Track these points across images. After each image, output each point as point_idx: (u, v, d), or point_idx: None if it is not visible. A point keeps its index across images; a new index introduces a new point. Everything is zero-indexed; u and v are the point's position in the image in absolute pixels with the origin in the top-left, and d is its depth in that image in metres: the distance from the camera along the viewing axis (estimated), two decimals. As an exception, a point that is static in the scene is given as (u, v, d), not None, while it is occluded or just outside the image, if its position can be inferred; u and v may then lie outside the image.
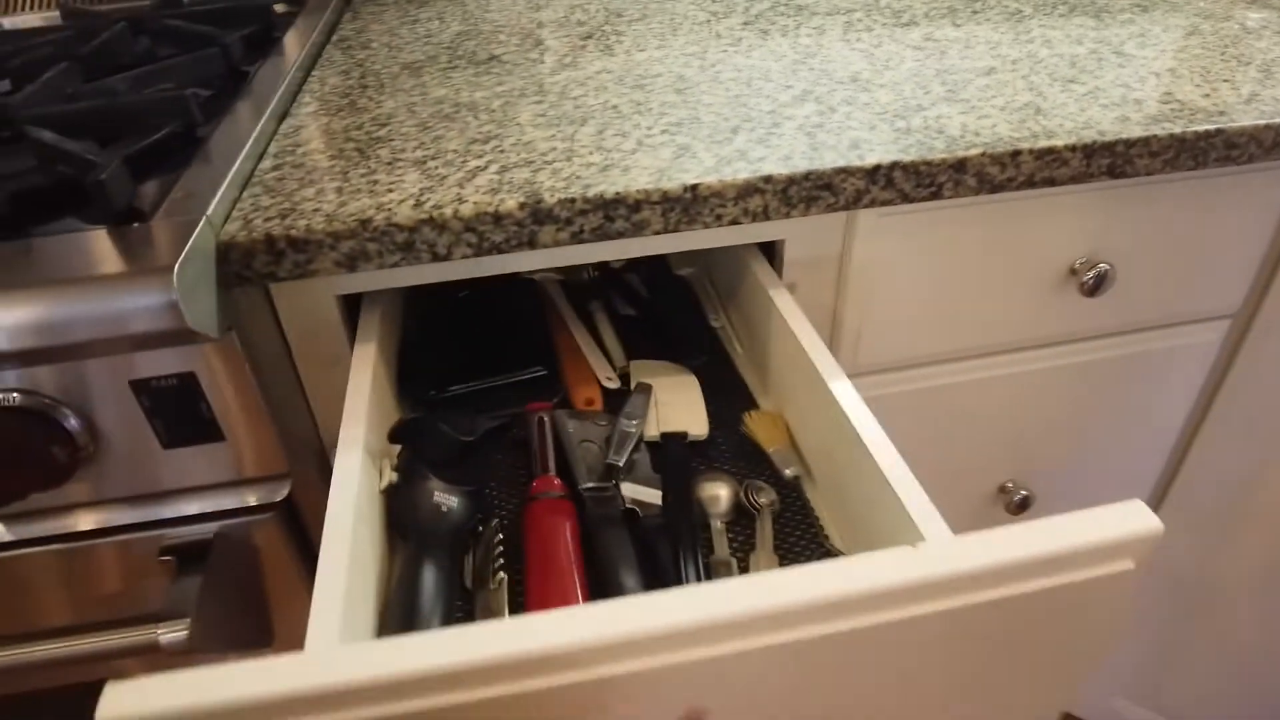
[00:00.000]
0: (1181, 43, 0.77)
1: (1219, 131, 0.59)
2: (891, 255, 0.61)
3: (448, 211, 0.49)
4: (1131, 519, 0.31)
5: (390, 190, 0.52)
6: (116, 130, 0.57)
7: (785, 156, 0.54)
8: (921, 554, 0.30)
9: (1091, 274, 0.64)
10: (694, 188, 0.51)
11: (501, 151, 0.56)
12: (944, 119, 0.60)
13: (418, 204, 0.50)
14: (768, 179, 0.52)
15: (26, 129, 0.55)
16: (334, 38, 0.85)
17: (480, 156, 0.56)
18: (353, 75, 0.74)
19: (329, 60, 0.79)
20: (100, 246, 0.46)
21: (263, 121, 0.61)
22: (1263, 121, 0.60)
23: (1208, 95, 0.64)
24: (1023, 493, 0.78)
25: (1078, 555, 0.31)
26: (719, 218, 0.53)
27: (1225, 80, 0.67)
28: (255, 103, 0.65)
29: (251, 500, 0.55)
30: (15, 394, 0.47)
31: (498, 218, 0.50)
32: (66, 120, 0.57)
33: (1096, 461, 0.81)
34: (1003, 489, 0.79)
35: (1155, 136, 0.58)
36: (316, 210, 0.50)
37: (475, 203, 0.50)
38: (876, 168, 0.54)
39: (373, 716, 0.27)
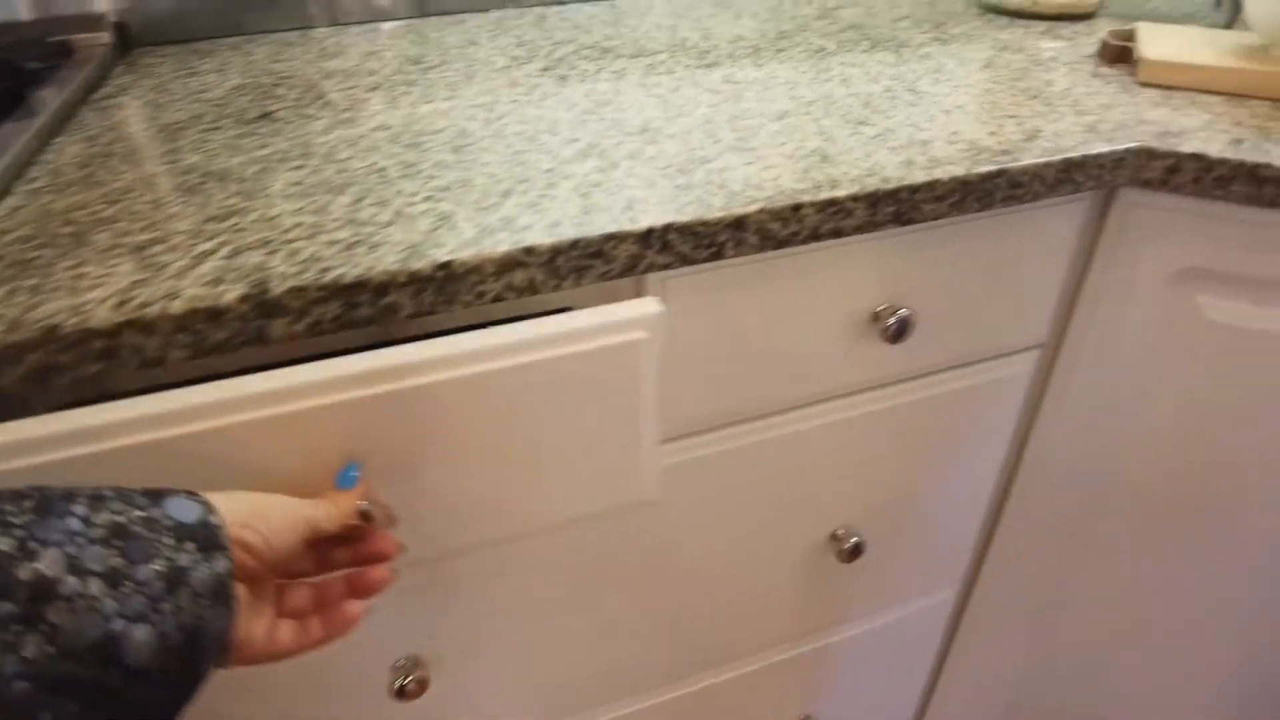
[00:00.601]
0: (975, 76, 0.77)
1: (1002, 172, 0.59)
2: (686, 316, 0.58)
3: (155, 310, 0.43)
4: (641, 306, 0.48)
5: (95, 286, 0.45)
6: None
7: (553, 223, 0.50)
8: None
9: (893, 320, 0.63)
10: (447, 265, 0.47)
11: (239, 230, 0.50)
12: (728, 171, 0.57)
13: (122, 303, 0.43)
14: (530, 250, 0.48)
15: None
16: (97, 94, 0.77)
17: (213, 238, 0.49)
18: (100, 142, 0.66)
19: (80, 124, 0.70)
20: None
21: (-37, 205, 0.53)
22: (1044, 160, 0.60)
23: (994, 133, 0.64)
24: (854, 539, 0.76)
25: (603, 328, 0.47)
26: (480, 295, 0.48)
27: (1011, 116, 0.67)
28: (-38, 182, 0.56)
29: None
30: None
31: (215, 314, 0.43)
32: None
33: (927, 500, 0.80)
34: (834, 537, 0.77)
35: (939, 181, 0.57)
36: (-1, 317, 0.43)
37: (191, 297, 0.44)
38: (650, 231, 0.50)
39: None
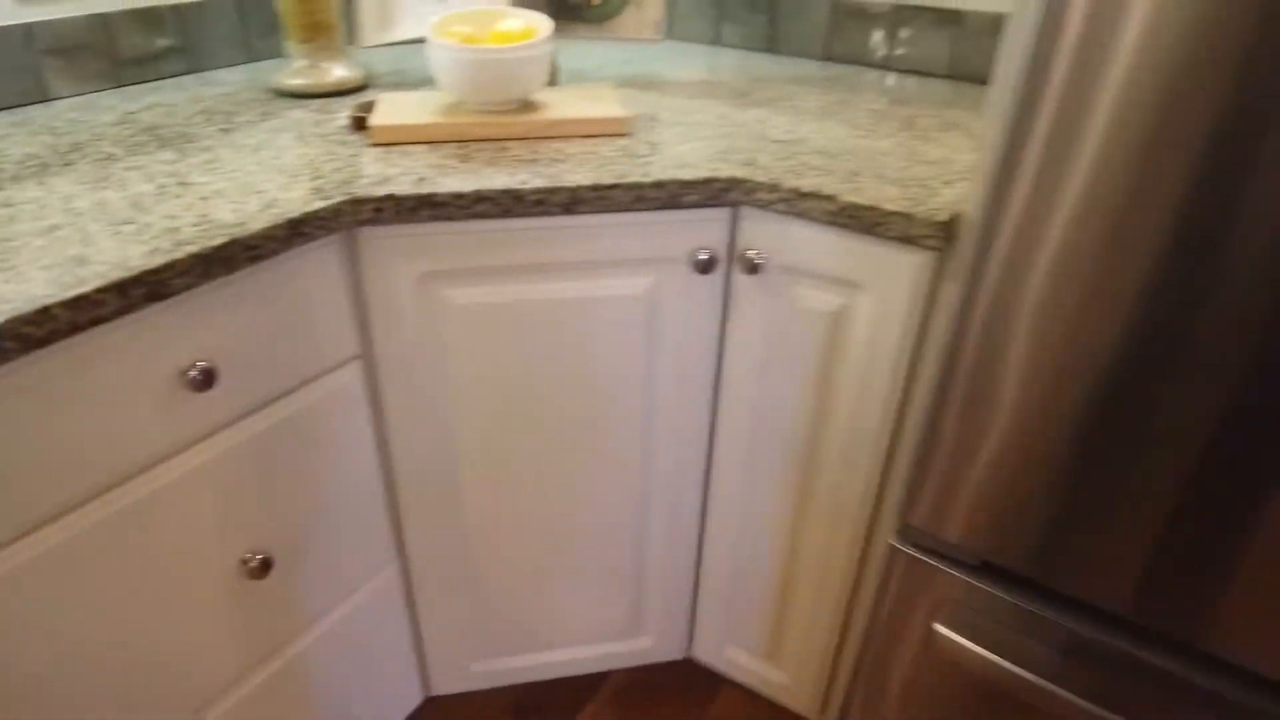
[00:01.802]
0: (243, 161, 0.95)
1: (234, 241, 0.76)
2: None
3: None
4: None
5: None
6: None
7: None
8: None
9: (196, 372, 0.77)
10: None
11: None
12: (-18, 292, 0.66)
13: None
14: None
15: None
16: None
17: None
18: None
19: None
20: None
21: None
22: (271, 224, 0.79)
23: (236, 209, 0.82)
24: (259, 557, 0.90)
25: None
26: None
27: (259, 192, 0.86)
28: None
29: None
30: None
31: None
32: None
33: (326, 505, 0.98)
34: (242, 562, 0.91)
35: (178, 260, 0.72)
36: None
37: None
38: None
39: None
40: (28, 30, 1.12)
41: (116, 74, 1.23)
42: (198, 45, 1.32)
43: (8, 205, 0.83)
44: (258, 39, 1.39)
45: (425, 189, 0.88)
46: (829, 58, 1.46)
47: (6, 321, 0.63)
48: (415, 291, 0.94)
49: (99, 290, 0.68)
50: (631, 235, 0.97)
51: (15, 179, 0.89)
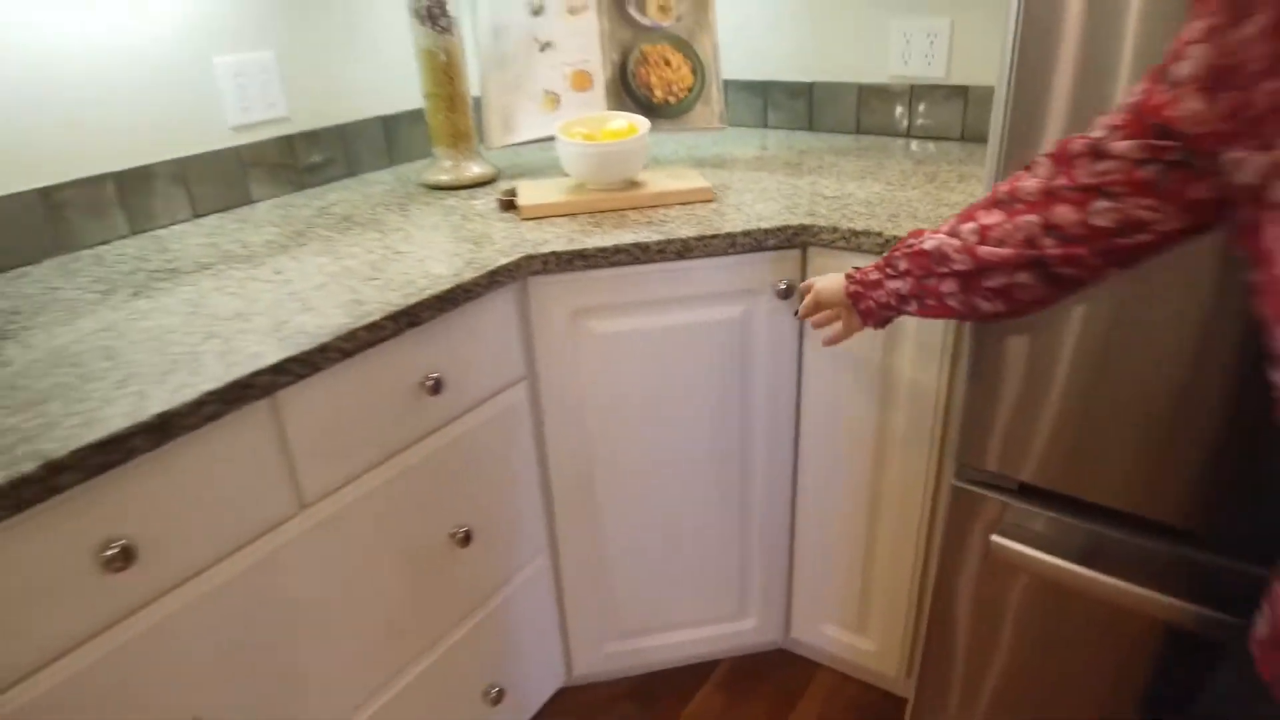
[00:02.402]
0: (430, 236, 1.26)
1: (457, 287, 1.06)
2: (310, 414, 0.95)
3: (-22, 492, 0.68)
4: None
5: (-89, 498, 0.68)
6: None
7: (216, 377, 0.84)
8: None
9: (430, 381, 1.06)
10: (161, 414, 0.78)
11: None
12: (305, 322, 0.96)
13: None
14: (210, 393, 0.82)
15: None
16: None
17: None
18: None
19: None
20: None
21: None
22: (476, 275, 1.09)
23: (446, 266, 1.12)
24: (464, 529, 1.17)
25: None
26: (187, 429, 0.80)
27: (455, 254, 1.16)
28: None
29: None
30: None
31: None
32: None
33: (505, 494, 1.25)
34: (452, 534, 1.17)
35: (425, 300, 1.02)
36: None
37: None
38: (278, 364, 0.87)
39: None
40: (236, 151, 1.46)
41: (299, 180, 1.57)
42: (355, 156, 1.66)
43: (279, 272, 1.13)
44: (395, 150, 1.74)
45: (576, 246, 1.18)
46: (860, 131, 1.78)
47: (331, 340, 0.92)
48: (568, 324, 1.23)
49: (382, 319, 0.97)
50: (727, 273, 1.26)
51: (271, 255, 1.20)
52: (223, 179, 1.45)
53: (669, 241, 1.20)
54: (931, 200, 1.30)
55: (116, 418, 0.78)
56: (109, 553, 0.79)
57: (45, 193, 1.23)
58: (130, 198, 1.33)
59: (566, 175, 1.47)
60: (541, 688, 1.49)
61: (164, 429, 0.79)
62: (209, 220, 1.41)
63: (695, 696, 1.61)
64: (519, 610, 1.37)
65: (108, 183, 1.29)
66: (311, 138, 1.57)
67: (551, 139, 1.57)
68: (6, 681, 0.75)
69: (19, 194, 1.21)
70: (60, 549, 0.76)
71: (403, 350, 1.04)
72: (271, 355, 0.89)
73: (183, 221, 1.40)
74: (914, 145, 1.67)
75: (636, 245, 1.19)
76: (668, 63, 1.57)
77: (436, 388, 1.07)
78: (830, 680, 1.63)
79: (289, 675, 1.00)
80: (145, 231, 1.35)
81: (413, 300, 1.01)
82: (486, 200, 1.44)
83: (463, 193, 1.51)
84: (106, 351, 0.92)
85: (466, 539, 1.18)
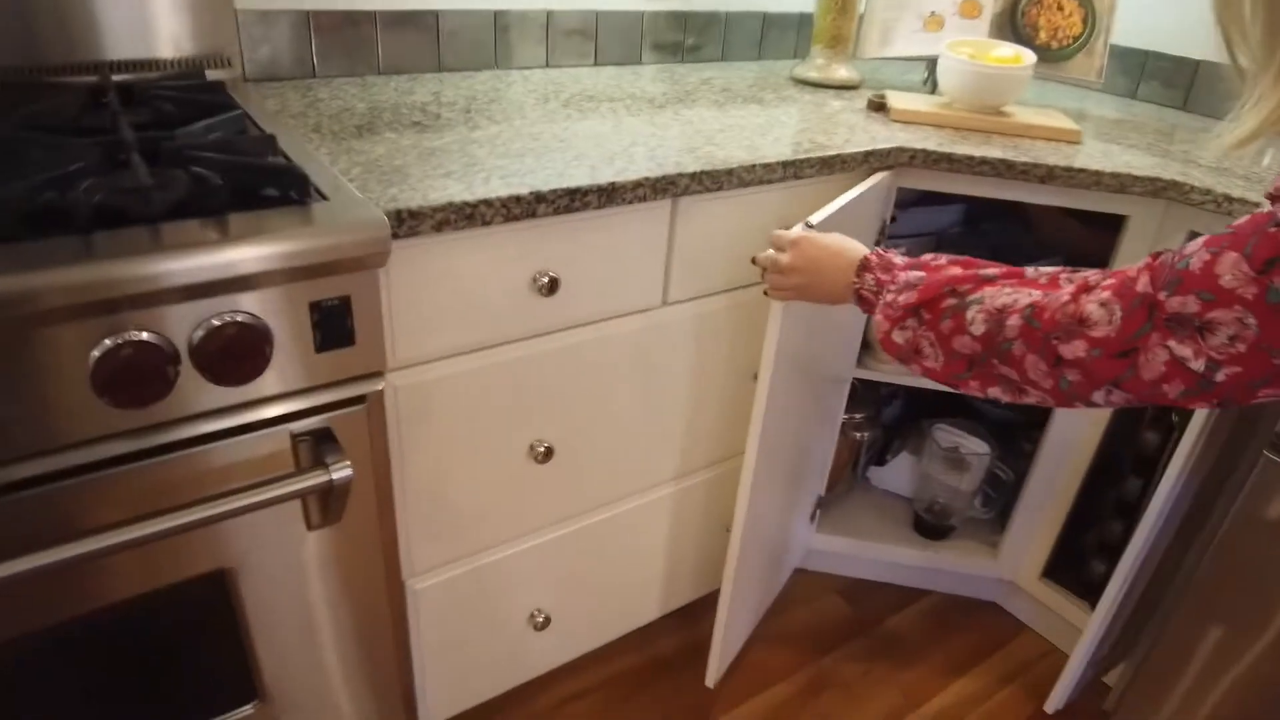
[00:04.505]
0: (808, 115, 1.38)
1: (838, 155, 1.17)
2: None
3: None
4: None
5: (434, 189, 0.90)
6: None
7: (648, 170, 1.02)
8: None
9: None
10: (611, 183, 0.97)
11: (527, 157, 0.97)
12: (713, 152, 1.11)
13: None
14: (644, 179, 0.99)
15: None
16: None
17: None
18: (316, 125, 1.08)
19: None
20: (316, 213, 0.79)
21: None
22: (856, 150, 1.20)
23: (830, 139, 1.23)
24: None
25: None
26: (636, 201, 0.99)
27: (829, 134, 1.28)
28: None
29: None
30: (246, 315, 0.77)
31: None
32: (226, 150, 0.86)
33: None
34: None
35: (809, 159, 1.14)
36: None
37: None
38: (698, 172, 1.03)
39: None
40: (640, 16, 1.65)
41: (679, 54, 1.74)
42: (729, 44, 1.80)
43: (679, 115, 1.30)
44: (765, 46, 1.86)
45: (945, 149, 1.25)
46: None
47: (736, 167, 1.07)
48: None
49: (775, 162, 1.11)
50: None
51: (669, 104, 1.37)
52: (623, 38, 1.64)
53: (1035, 165, 1.24)
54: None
55: (580, 176, 0.97)
56: (542, 280, 0.99)
57: (497, 15, 1.47)
58: (553, 35, 1.55)
59: (930, 94, 1.53)
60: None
61: (610, 194, 0.98)
62: (607, 70, 1.61)
63: (903, 611, 1.69)
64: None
65: (541, 16, 1.52)
66: (697, 19, 1.73)
67: (923, 59, 1.64)
68: (454, 350, 0.98)
69: (479, 11, 1.45)
70: (510, 271, 0.97)
71: (776, 194, 1.18)
72: (690, 166, 1.05)
73: (586, 65, 1.62)
74: None
75: (1002, 161, 1.24)
76: (1060, 8, 1.57)
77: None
78: (1033, 639, 1.64)
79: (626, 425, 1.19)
80: (557, 67, 1.58)
81: (800, 157, 1.14)
82: (850, 101, 1.53)
83: (828, 92, 1.61)
84: (557, 137, 1.13)
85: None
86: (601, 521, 1.27)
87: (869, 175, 1.26)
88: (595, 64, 1.63)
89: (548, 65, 1.57)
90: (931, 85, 1.63)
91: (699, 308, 1.19)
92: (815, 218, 1.05)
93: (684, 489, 1.36)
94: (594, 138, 1.13)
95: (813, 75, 1.65)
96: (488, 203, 0.89)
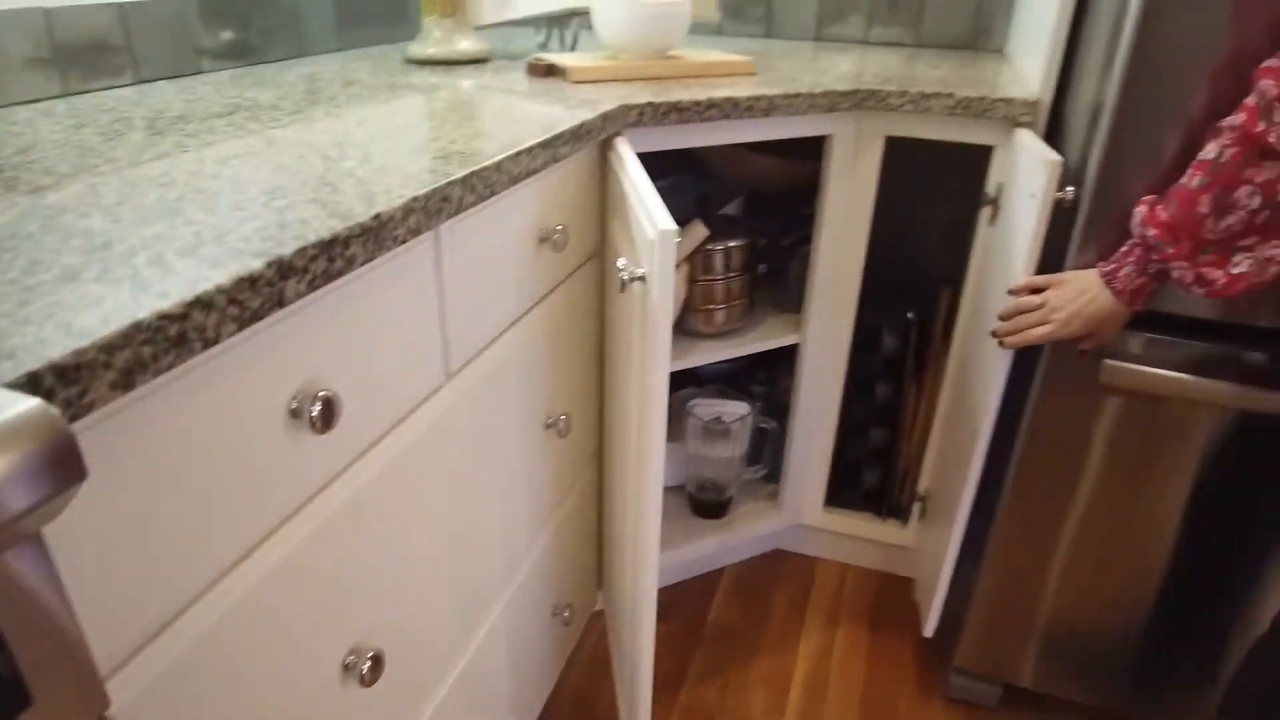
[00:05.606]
0: (490, 98, 1.09)
1: (581, 125, 0.92)
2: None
3: (203, 292, 0.48)
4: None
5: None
6: None
7: (392, 180, 0.67)
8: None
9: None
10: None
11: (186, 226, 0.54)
12: (450, 146, 0.79)
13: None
14: (416, 197, 0.64)
15: None
16: None
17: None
18: None
19: None
20: None
21: None
22: (590, 116, 0.96)
23: (548, 116, 0.97)
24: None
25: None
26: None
27: (550, 111, 1.02)
28: None
29: None
30: None
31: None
32: None
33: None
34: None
35: (561, 134, 0.88)
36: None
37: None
38: (467, 176, 0.71)
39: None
40: (180, 9, 1.19)
41: (246, 54, 1.31)
42: (305, 35, 1.41)
43: (394, 115, 0.93)
44: (346, 32, 1.50)
45: (665, 99, 1.07)
46: (819, 38, 1.78)
47: (503, 159, 0.77)
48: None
49: (537, 145, 0.83)
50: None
51: (334, 103, 0.99)
52: (172, 43, 1.17)
53: (758, 99, 1.12)
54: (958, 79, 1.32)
55: (312, 218, 0.59)
56: (312, 408, 0.60)
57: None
58: (60, 50, 1.03)
59: (573, 51, 1.35)
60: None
61: (378, 234, 0.61)
62: (161, 86, 1.13)
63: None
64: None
65: (35, 21, 1.00)
66: (244, 5, 1.31)
67: (551, 16, 1.44)
68: (195, 608, 0.54)
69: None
70: (262, 403, 0.56)
71: (530, 190, 0.89)
72: (454, 171, 0.72)
73: (126, 85, 1.12)
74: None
75: (728, 100, 1.10)
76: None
77: (559, 245, 0.93)
78: (836, 569, 1.63)
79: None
80: (81, 94, 1.06)
81: (552, 134, 0.87)
82: (498, 76, 1.27)
83: (462, 69, 1.32)
84: (198, 174, 0.70)
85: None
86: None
87: (603, 148, 1.04)
88: (137, 81, 1.14)
89: (65, 94, 1.05)
90: (572, 43, 1.44)
91: (487, 364, 0.87)
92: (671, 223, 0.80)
93: (519, 583, 1.04)
94: (256, 162, 0.73)
95: (431, 52, 1.35)
96: (203, 303, 0.48)
